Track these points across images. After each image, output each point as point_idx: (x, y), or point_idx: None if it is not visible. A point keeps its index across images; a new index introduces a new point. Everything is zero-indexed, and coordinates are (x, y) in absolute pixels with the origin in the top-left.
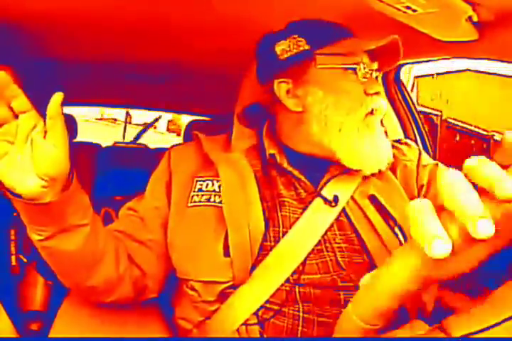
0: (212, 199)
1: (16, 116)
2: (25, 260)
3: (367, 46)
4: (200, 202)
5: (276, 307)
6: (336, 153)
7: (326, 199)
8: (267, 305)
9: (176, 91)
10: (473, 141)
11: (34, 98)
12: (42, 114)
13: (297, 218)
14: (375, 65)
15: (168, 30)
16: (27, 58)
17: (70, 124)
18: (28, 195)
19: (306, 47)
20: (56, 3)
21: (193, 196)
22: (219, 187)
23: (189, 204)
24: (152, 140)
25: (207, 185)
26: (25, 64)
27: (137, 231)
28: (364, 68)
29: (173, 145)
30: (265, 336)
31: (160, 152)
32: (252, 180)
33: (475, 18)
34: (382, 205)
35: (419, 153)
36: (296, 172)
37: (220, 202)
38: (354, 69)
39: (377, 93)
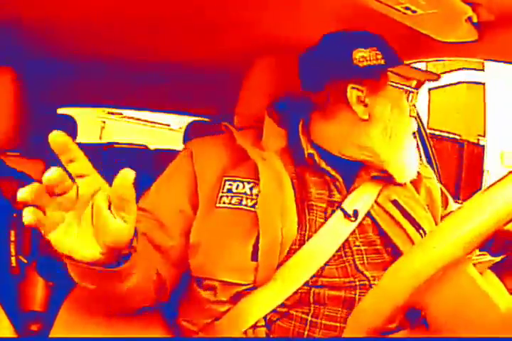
0: (244, 203)
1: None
2: (25, 261)
3: (426, 77)
4: (230, 203)
5: (284, 310)
6: (384, 162)
7: (346, 213)
8: (278, 308)
9: (176, 91)
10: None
11: (34, 98)
12: (41, 113)
13: (322, 223)
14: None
15: (169, 30)
16: (27, 58)
17: (70, 124)
18: (87, 260)
19: (382, 61)
20: (57, 3)
21: (221, 197)
22: (250, 189)
23: (218, 205)
24: None
25: (237, 186)
26: (25, 64)
27: (158, 237)
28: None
29: (190, 140)
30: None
31: (160, 152)
32: (289, 182)
33: (475, 19)
34: (404, 210)
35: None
36: (333, 172)
37: (252, 206)
38: (411, 92)
39: (414, 117)
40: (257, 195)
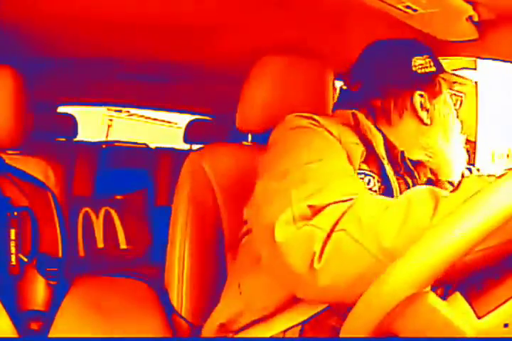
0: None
1: None
2: (25, 259)
3: (462, 81)
4: None
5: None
6: (440, 165)
7: None
8: None
9: (177, 91)
10: None
11: (35, 96)
12: (41, 111)
13: None
14: None
15: (169, 30)
16: (27, 57)
17: (70, 124)
18: None
19: (434, 68)
20: (58, 3)
21: None
22: (379, 189)
23: None
24: None
25: (369, 181)
26: (26, 62)
27: None
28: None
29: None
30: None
31: (160, 152)
32: (397, 186)
33: (475, 18)
34: None
35: None
36: (416, 173)
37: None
38: (453, 96)
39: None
40: (375, 191)
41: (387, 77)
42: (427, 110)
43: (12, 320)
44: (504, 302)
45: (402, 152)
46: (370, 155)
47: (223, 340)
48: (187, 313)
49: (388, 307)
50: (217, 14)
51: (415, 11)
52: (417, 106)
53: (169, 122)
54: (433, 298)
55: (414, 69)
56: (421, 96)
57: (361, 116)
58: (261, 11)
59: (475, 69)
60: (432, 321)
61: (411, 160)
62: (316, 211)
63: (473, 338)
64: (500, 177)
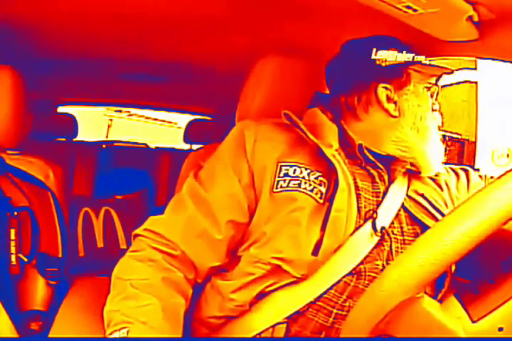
0: (302, 186)
1: None
2: (25, 259)
3: (441, 71)
4: (288, 187)
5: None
6: (415, 158)
7: (374, 229)
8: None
9: (177, 91)
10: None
11: (34, 96)
12: (40, 112)
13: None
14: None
15: (170, 30)
16: (27, 57)
17: (70, 124)
18: None
19: (400, 61)
20: (58, 3)
21: (278, 181)
22: (308, 174)
23: (275, 190)
24: None
25: (294, 170)
26: (26, 63)
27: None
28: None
29: (243, 121)
30: (292, 331)
31: (160, 152)
32: (350, 177)
33: (476, 18)
34: (431, 203)
35: None
36: (380, 165)
37: (311, 191)
38: (429, 88)
39: (437, 110)
40: (314, 182)
41: (350, 71)
42: (395, 102)
43: (12, 320)
44: (499, 307)
45: (360, 144)
46: (308, 147)
47: (223, 340)
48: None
49: (383, 312)
50: (217, 14)
51: (415, 11)
52: (382, 98)
53: (169, 122)
54: (427, 303)
55: (377, 62)
56: (385, 88)
57: (312, 111)
58: (261, 11)
59: (475, 69)
60: (427, 325)
61: (385, 156)
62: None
63: (472, 338)
64: (492, 182)
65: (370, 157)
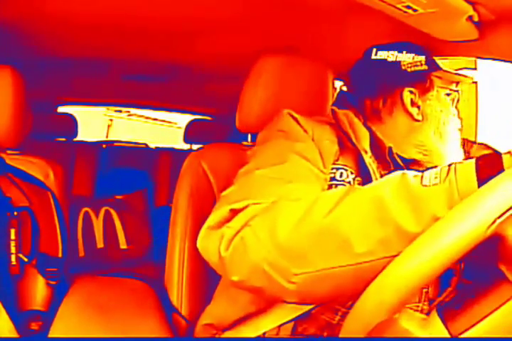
0: None
1: None
2: (25, 259)
3: (461, 79)
4: None
5: None
6: (432, 162)
7: None
8: None
9: (177, 91)
10: None
11: (34, 96)
12: (40, 112)
13: None
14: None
15: (170, 30)
16: (27, 57)
17: (71, 124)
18: None
19: (425, 67)
20: (58, 3)
21: (330, 185)
22: (353, 179)
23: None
24: None
25: (341, 174)
26: (26, 63)
27: None
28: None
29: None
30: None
31: (160, 152)
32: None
33: (475, 18)
34: None
35: None
36: (405, 169)
37: None
38: (449, 94)
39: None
40: (349, 182)
41: (377, 76)
42: (418, 107)
43: (12, 320)
44: (480, 321)
45: (390, 148)
46: (351, 151)
47: (223, 340)
48: (187, 313)
49: (365, 331)
50: (217, 14)
51: (415, 11)
52: (407, 102)
53: (169, 122)
54: (405, 322)
55: (403, 68)
56: (411, 92)
57: (347, 113)
58: (261, 11)
59: (475, 69)
60: None
61: (405, 158)
62: (234, 214)
63: (471, 338)
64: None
65: (399, 160)
